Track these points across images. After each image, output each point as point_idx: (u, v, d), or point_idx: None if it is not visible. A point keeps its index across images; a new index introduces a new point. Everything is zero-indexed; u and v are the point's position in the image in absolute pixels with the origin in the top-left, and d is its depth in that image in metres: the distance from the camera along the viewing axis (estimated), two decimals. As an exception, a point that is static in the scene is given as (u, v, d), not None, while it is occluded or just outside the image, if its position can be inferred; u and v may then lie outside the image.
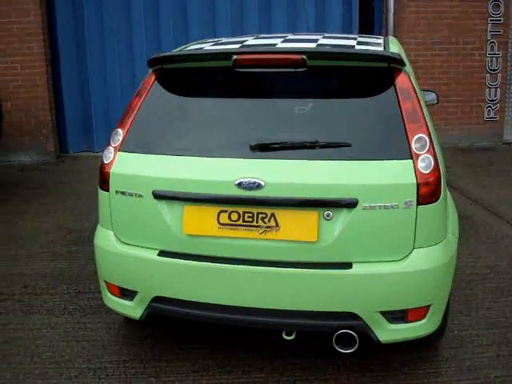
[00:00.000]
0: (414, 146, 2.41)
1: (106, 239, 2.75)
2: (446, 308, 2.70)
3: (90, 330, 3.26)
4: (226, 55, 2.59)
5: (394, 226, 2.38)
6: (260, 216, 2.44)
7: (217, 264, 2.48)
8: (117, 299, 2.82)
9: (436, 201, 2.42)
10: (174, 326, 3.20)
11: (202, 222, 2.49)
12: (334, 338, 2.50)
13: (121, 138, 2.70)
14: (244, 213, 2.45)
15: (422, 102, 2.61)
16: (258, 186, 2.39)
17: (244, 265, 2.46)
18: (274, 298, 2.48)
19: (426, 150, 2.41)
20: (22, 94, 7.53)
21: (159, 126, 2.67)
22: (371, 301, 2.44)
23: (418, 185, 2.36)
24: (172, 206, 2.54)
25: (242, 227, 2.45)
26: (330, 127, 2.49)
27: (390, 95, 2.52)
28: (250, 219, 2.44)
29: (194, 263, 2.51)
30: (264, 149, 2.44)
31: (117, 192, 2.64)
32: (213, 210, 2.48)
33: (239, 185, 2.40)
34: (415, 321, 2.52)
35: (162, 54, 2.73)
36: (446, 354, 2.92)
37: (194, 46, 3.13)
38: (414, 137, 2.42)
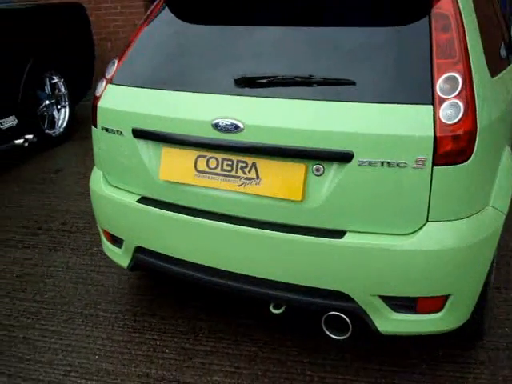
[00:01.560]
0: (439, 87, 1.82)
1: (97, 181, 2.52)
2: (480, 300, 2.12)
3: (101, 274, 3.12)
4: None
5: (399, 190, 1.85)
6: (240, 165, 2.03)
7: (191, 217, 2.14)
8: (110, 246, 2.61)
9: (464, 161, 1.83)
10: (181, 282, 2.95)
11: (179, 168, 2.15)
12: (322, 320, 2.07)
13: (114, 69, 2.42)
14: (223, 160, 2.06)
15: (473, 36, 1.98)
16: (236, 129, 1.97)
17: (220, 221, 2.09)
18: (253, 264, 2.09)
19: (456, 93, 1.82)
20: (121, 35, 7.57)
21: (150, 57, 2.33)
22: (367, 281, 1.95)
23: (435, 138, 1.79)
24: (150, 146, 2.22)
25: (220, 177, 2.07)
26: (331, 59, 1.97)
27: (420, 21, 1.93)
28: (229, 168, 2.05)
29: (169, 214, 2.19)
30: (248, 84, 2.01)
31: (102, 128, 2.38)
32: (191, 155, 2.12)
33: (215, 126, 2.01)
34: (428, 313, 1.99)
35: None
36: (483, 355, 2.33)
37: None
38: (441, 76, 1.83)
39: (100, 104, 2.38)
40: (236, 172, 2.03)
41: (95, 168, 2.59)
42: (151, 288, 2.95)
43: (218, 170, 2.06)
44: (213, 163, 2.07)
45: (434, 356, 2.34)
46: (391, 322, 2.01)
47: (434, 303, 1.97)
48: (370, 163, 1.83)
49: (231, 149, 2.01)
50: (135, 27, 7.45)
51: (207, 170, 2.09)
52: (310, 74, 1.93)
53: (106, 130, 2.34)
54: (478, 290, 2.06)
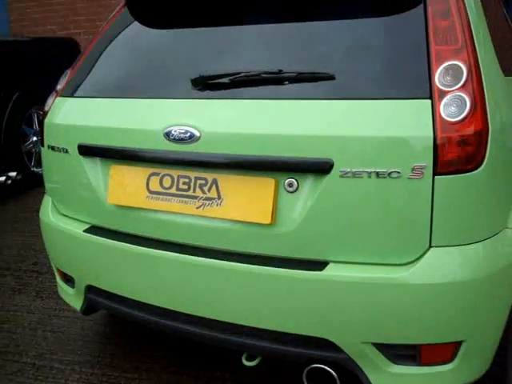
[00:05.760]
0: (438, 78, 1.46)
1: (45, 209, 2.17)
2: (503, 346, 1.69)
3: (64, 319, 2.73)
4: None
5: (393, 208, 1.46)
6: (198, 182, 1.67)
7: (145, 248, 1.76)
8: (64, 286, 2.23)
9: (474, 169, 1.44)
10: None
11: (130, 189, 1.79)
12: (304, 374, 1.65)
13: (65, 80, 2.10)
14: (179, 177, 1.70)
15: (479, 21, 1.63)
16: (192, 137, 1.62)
17: (178, 252, 1.70)
18: (218, 305, 1.69)
19: (460, 84, 1.45)
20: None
21: (101, 64, 2.01)
22: (356, 325, 1.53)
23: (436, 140, 1.41)
24: (98, 165, 1.87)
25: (176, 198, 1.70)
26: (304, 50, 1.62)
27: (412, 3, 1.58)
28: (186, 186, 1.68)
29: (120, 245, 1.82)
30: (205, 84, 1.66)
31: (48, 147, 2.04)
32: (142, 172, 1.77)
33: (167, 135, 1.65)
34: (435, 364, 1.57)
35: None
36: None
37: None
38: (441, 65, 1.47)
39: (47, 119, 2.06)
40: (194, 191, 1.67)
41: (45, 195, 2.24)
42: (118, 335, 2.55)
43: (174, 190, 1.70)
44: (167, 182, 1.71)
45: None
46: (389, 377, 1.58)
47: (443, 352, 1.55)
48: (353, 174, 1.45)
49: (187, 163, 1.65)
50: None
51: (161, 190, 1.72)
52: (279, 68, 1.57)
53: (52, 148, 2.01)
54: (499, 333, 1.63)
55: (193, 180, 1.67)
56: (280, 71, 1.57)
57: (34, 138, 5.25)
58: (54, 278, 3.18)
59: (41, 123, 2.11)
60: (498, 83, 1.63)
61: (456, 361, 1.56)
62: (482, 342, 1.58)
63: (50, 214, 2.10)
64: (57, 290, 2.96)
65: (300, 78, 1.56)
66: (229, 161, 1.58)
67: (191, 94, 1.68)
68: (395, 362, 1.57)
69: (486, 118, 1.46)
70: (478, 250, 1.49)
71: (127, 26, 2.04)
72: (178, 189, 1.69)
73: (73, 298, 2.16)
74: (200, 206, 1.65)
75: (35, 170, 5.22)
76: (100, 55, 2.03)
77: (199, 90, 1.67)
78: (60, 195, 2.06)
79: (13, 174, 4.71)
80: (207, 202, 1.64)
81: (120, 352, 2.40)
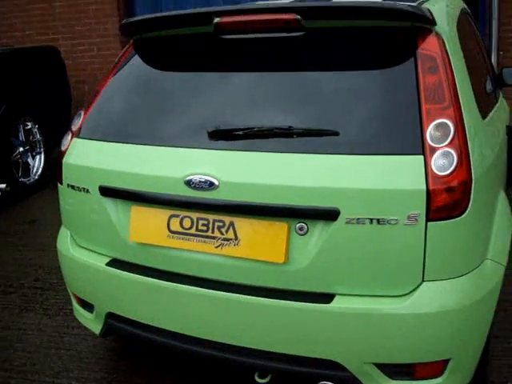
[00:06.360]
0: (429, 135, 1.69)
1: (64, 241, 2.33)
2: (483, 359, 1.95)
3: (75, 336, 2.90)
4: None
5: (391, 249, 1.69)
6: (216, 224, 1.86)
7: (166, 282, 1.96)
8: (81, 310, 2.41)
9: (460, 215, 1.68)
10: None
11: (151, 228, 1.97)
12: (313, 391, 1.88)
13: (80, 121, 2.26)
14: (198, 219, 1.89)
15: (462, 77, 1.86)
16: (211, 186, 1.81)
17: (197, 286, 1.91)
18: (235, 332, 1.90)
19: (448, 141, 1.68)
20: (98, 77, 7.44)
21: (118, 108, 2.17)
22: (360, 349, 1.77)
23: (428, 191, 1.64)
24: (119, 205, 2.05)
25: (195, 237, 1.89)
26: (312, 108, 1.82)
27: (405, 64, 1.80)
28: (205, 228, 1.88)
29: (142, 278, 2.01)
30: (223, 136, 1.86)
31: (68, 186, 2.21)
32: (163, 214, 1.95)
33: (188, 183, 1.85)
34: (427, 378, 1.82)
35: (127, 20, 2.22)
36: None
37: None
38: (431, 123, 1.70)
39: (65, 160, 2.22)
40: (212, 232, 1.87)
41: (62, 227, 2.40)
42: (128, 351, 2.73)
43: (193, 231, 1.90)
44: (187, 223, 1.91)
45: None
46: (388, 391, 1.82)
47: (434, 368, 1.80)
48: (357, 221, 1.68)
49: (206, 207, 1.85)
50: (113, 68, 7.36)
51: (181, 230, 1.91)
52: (290, 125, 1.78)
53: (72, 187, 2.17)
54: (481, 349, 1.89)
55: (211, 222, 1.87)
56: (290, 127, 1.78)
57: (21, 149, 5.33)
58: (58, 295, 3.35)
59: (58, 162, 2.26)
60: (479, 132, 1.87)
61: (445, 375, 1.81)
62: (466, 358, 1.83)
63: (69, 246, 2.27)
64: (64, 307, 3.14)
65: (307, 133, 1.77)
66: (245, 207, 1.79)
67: (209, 144, 1.87)
68: (393, 378, 1.82)
69: (470, 169, 1.70)
70: (464, 282, 1.74)
71: (140, 72, 2.21)
72: (197, 229, 1.89)
73: (91, 322, 2.33)
74: (219, 246, 1.85)
75: (23, 179, 5.31)
76: (114, 99, 2.19)
77: (216, 141, 1.85)
78: (79, 230, 2.23)
79: (2, 185, 4.80)
80: (225, 242, 1.84)
81: (132, 368, 2.59)
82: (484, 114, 2.08)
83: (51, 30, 7.22)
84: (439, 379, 1.82)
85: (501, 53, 6.31)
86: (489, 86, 2.61)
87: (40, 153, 5.60)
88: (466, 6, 3.03)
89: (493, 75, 3.09)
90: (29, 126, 5.46)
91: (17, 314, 3.16)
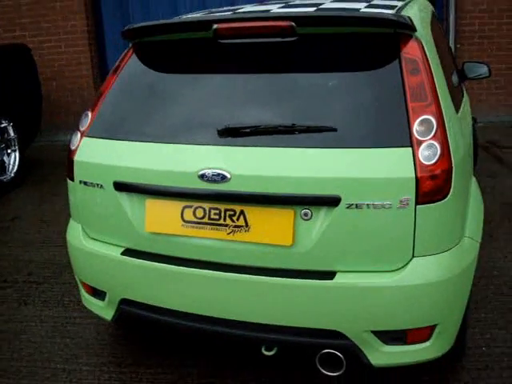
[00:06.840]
0: (415, 130, 1.93)
1: (74, 234, 2.48)
2: (462, 326, 2.22)
3: (78, 325, 3.05)
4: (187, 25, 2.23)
5: (386, 230, 1.94)
6: (228, 213, 2.07)
7: (180, 267, 2.15)
8: (91, 298, 2.56)
9: (443, 198, 1.94)
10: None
11: (165, 219, 2.16)
12: (317, 358, 2.11)
13: (88, 121, 2.41)
14: (210, 209, 2.09)
15: (439, 76, 2.12)
16: (223, 179, 2.01)
17: (211, 269, 2.11)
18: (245, 309, 2.12)
19: (431, 135, 1.93)
20: (66, 73, 7.47)
21: (127, 108, 2.34)
22: (359, 318, 2.02)
23: (417, 179, 1.89)
24: (133, 199, 2.22)
25: (208, 226, 2.09)
26: (314, 108, 2.04)
27: (391, 67, 2.04)
28: (217, 217, 2.08)
29: (157, 265, 2.19)
30: (232, 134, 2.06)
31: (80, 182, 2.36)
32: (176, 205, 2.14)
33: (202, 177, 2.04)
34: (417, 343, 2.08)
35: (130, 26, 2.39)
36: (466, 377, 2.44)
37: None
38: (416, 119, 1.95)
39: (77, 158, 2.37)
40: (224, 220, 2.07)
41: (72, 221, 2.55)
42: (131, 336, 2.91)
43: (206, 220, 2.09)
44: (200, 213, 2.10)
45: (419, 382, 2.42)
46: (383, 355, 2.08)
47: (423, 333, 2.06)
48: (356, 206, 1.91)
49: (218, 198, 2.05)
50: (80, 65, 7.40)
51: (194, 219, 2.11)
52: (293, 122, 2.00)
53: (85, 183, 2.33)
54: (461, 316, 2.17)
55: (223, 211, 2.07)
56: (293, 124, 2.00)
57: (-4, 147, 5.37)
58: (54, 287, 3.47)
59: (69, 160, 2.41)
60: (455, 124, 2.13)
61: (432, 339, 2.08)
62: (450, 323, 2.11)
63: (81, 238, 2.42)
64: (62, 299, 3.27)
65: (309, 129, 1.99)
66: (255, 197, 2.00)
67: (218, 141, 2.06)
68: (388, 344, 2.07)
69: (451, 158, 1.96)
70: (447, 257, 2.01)
71: (147, 71, 2.38)
72: (209, 218, 2.09)
73: (103, 309, 2.50)
74: (230, 232, 2.06)
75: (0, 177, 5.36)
76: (123, 99, 2.35)
77: (226, 137, 2.05)
78: (92, 223, 2.39)
79: None
80: (236, 229, 2.05)
81: (139, 351, 2.77)
82: (457, 108, 2.35)
83: (18, 27, 7.18)
84: (427, 343, 2.08)
85: (458, 46, 6.70)
86: (456, 81, 2.90)
87: (15, 150, 5.64)
88: (433, 8, 3.32)
89: (457, 70, 3.38)
90: (3, 124, 5.48)
91: (16, 307, 3.28)
